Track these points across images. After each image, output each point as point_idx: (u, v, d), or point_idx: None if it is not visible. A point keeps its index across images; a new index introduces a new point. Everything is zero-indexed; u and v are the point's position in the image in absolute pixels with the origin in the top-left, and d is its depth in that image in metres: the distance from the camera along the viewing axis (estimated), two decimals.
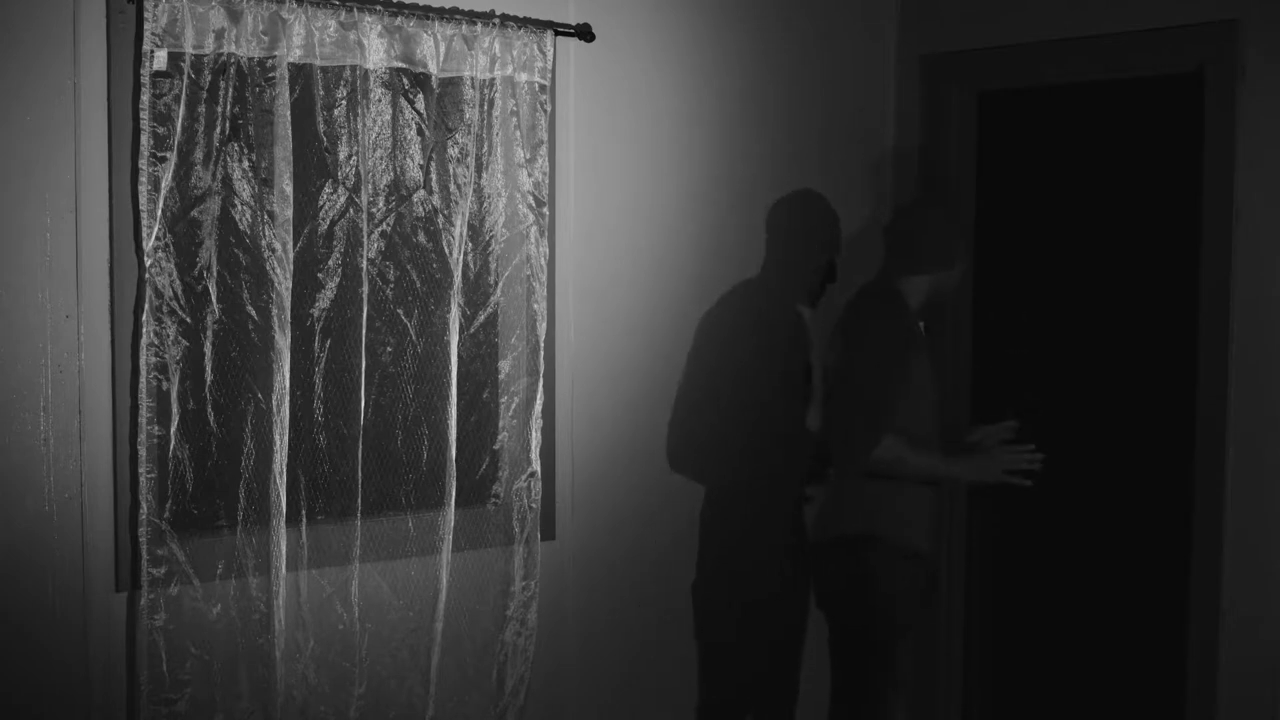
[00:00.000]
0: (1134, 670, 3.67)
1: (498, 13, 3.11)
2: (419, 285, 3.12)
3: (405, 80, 3.04)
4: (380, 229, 3.03)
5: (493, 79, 3.11)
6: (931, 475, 3.24)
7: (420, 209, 3.10)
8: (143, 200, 2.72)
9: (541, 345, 3.23)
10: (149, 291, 2.74)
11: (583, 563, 3.45)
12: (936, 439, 3.30)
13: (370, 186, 3.00)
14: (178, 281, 2.79)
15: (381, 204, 3.03)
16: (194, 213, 2.80)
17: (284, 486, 2.89)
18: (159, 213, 2.73)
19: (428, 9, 3.02)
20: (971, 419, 3.93)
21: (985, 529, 3.99)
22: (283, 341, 2.87)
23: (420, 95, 3.06)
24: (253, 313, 2.87)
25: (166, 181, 2.74)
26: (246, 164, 2.86)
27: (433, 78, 3.03)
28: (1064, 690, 3.86)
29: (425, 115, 3.05)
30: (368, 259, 3.00)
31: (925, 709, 3.96)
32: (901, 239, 3.35)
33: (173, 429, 2.79)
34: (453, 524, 3.10)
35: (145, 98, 2.71)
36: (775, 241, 3.72)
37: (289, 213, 2.87)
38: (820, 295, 3.75)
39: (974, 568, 4.00)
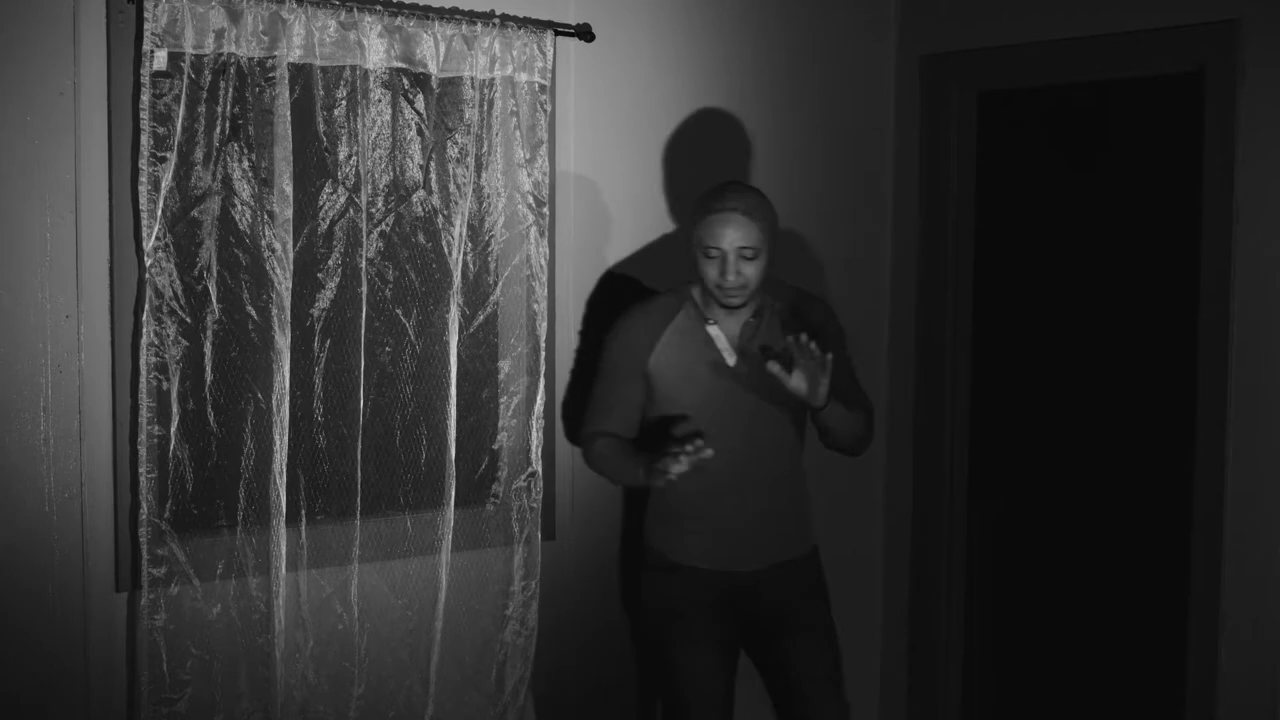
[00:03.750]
0: (1134, 671, 3.67)
1: (498, 13, 3.11)
2: (418, 285, 3.12)
3: (405, 80, 3.04)
4: (380, 229, 3.04)
5: (493, 79, 3.11)
6: (622, 478, 3.04)
7: (420, 209, 3.10)
8: (143, 200, 2.72)
9: (541, 345, 3.23)
10: (149, 291, 2.74)
11: (583, 563, 3.45)
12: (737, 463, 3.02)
13: (370, 186, 3.00)
14: (178, 281, 2.79)
15: (381, 204, 3.03)
16: (194, 213, 2.81)
17: (284, 486, 2.89)
18: (159, 213, 2.73)
19: (428, 9, 3.02)
20: (971, 418, 3.94)
21: (985, 529, 3.99)
22: (283, 341, 2.87)
23: (420, 95, 3.06)
24: (253, 313, 2.87)
25: (166, 181, 2.74)
26: (246, 164, 2.86)
27: (432, 78, 3.03)
28: (1064, 691, 3.86)
29: (425, 115, 3.05)
30: (367, 259, 3.00)
31: (925, 709, 3.96)
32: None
33: (173, 429, 2.80)
34: (452, 524, 3.10)
35: (145, 98, 2.71)
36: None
37: (289, 213, 2.87)
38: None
39: (974, 568, 4.00)
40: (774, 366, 2.82)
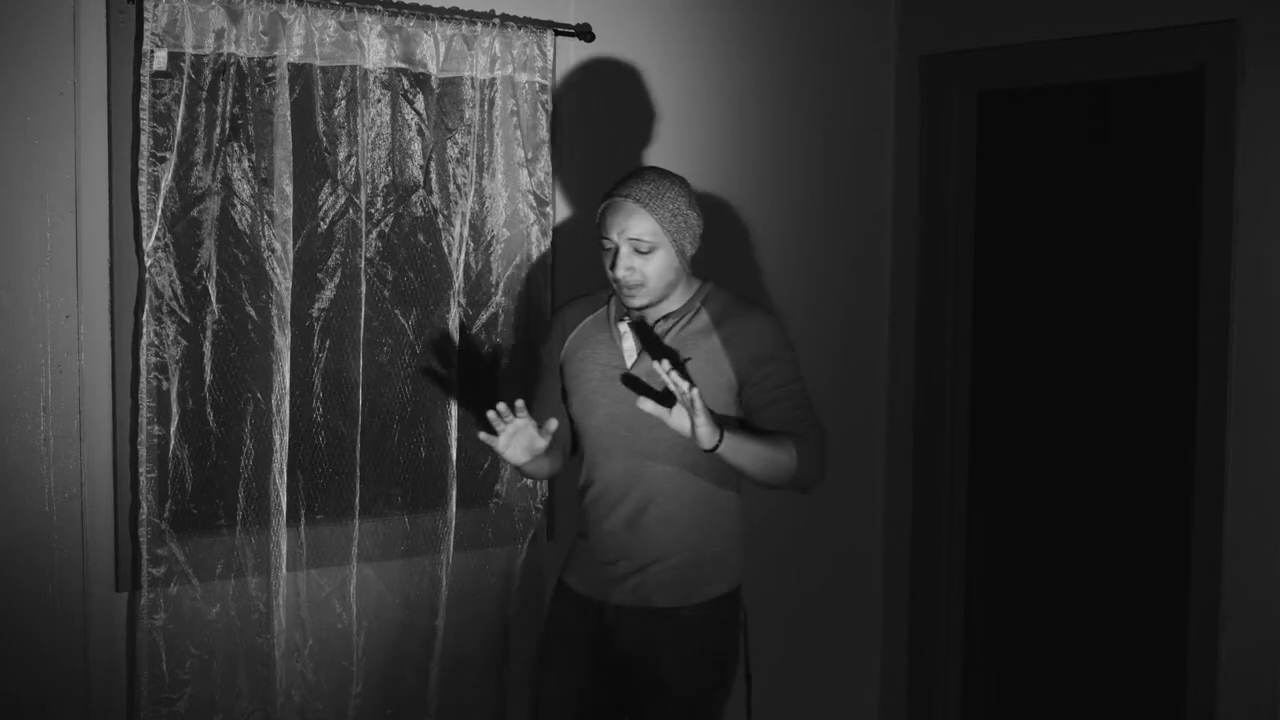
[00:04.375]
0: (1134, 671, 3.67)
1: (498, 13, 3.11)
2: (418, 285, 3.12)
3: (405, 80, 3.04)
4: (379, 229, 3.03)
5: (493, 79, 3.11)
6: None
7: (419, 209, 3.10)
8: (143, 200, 2.72)
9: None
10: (149, 291, 2.74)
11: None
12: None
13: (369, 187, 3.00)
14: (178, 281, 2.79)
15: (380, 204, 3.03)
16: (194, 213, 2.81)
17: (284, 486, 2.89)
18: (159, 213, 2.74)
19: (428, 9, 3.02)
20: (971, 418, 3.94)
21: (985, 529, 3.99)
22: (282, 341, 2.87)
23: (420, 95, 3.06)
24: (252, 313, 2.88)
25: (166, 181, 2.74)
26: (246, 164, 2.86)
27: (432, 78, 3.04)
28: (1064, 691, 3.86)
29: (425, 115, 3.05)
30: (366, 259, 3.00)
31: (925, 709, 3.96)
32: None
33: (173, 429, 2.80)
34: (453, 523, 3.10)
35: (145, 98, 2.71)
36: None
37: (289, 213, 2.87)
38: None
39: (974, 568, 4.00)
40: (646, 404, 2.45)
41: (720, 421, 2.52)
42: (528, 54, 3.15)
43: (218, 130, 2.81)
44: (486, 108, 3.12)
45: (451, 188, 3.11)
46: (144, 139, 2.71)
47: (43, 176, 2.68)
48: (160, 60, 2.73)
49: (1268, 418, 3.21)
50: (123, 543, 2.79)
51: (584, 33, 3.28)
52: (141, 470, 2.76)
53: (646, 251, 2.58)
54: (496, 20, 3.09)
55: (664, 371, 2.39)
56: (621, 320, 2.67)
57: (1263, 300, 3.21)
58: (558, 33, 3.21)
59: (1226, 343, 3.26)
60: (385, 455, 3.10)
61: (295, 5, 2.84)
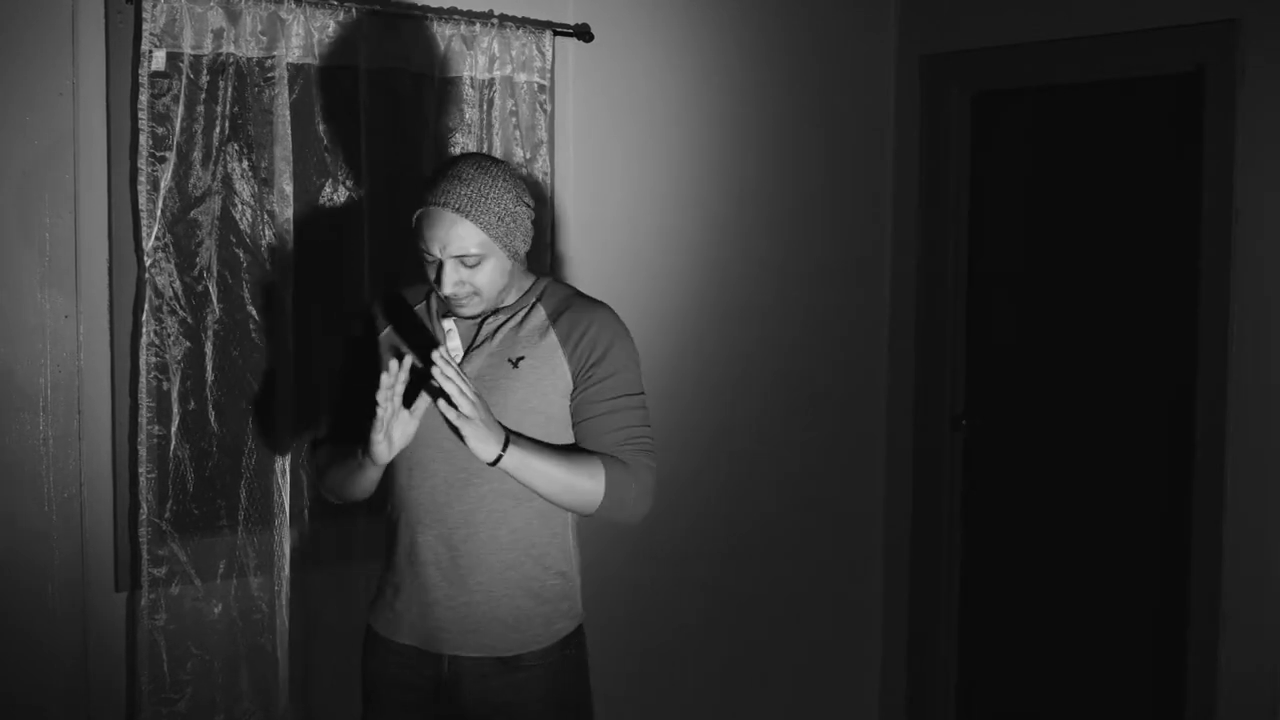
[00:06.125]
0: (1134, 671, 3.67)
1: (497, 13, 3.11)
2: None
3: (405, 80, 3.04)
4: (380, 229, 3.03)
5: (492, 79, 3.12)
6: (354, 482, 2.36)
7: None
8: (142, 200, 2.72)
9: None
10: (149, 291, 2.75)
11: (586, 566, 3.44)
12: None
13: (370, 186, 3.00)
14: (178, 281, 2.79)
15: (381, 204, 3.03)
16: (194, 213, 2.81)
17: (288, 486, 2.89)
18: (159, 213, 2.74)
19: (427, 9, 3.02)
20: (968, 419, 3.94)
21: (984, 528, 3.99)
22: (283, 341, 2.88)
23: (420, 95, 3.06)
24: (253, 312, 2.88)
25: (166, 181, 2.74)
26: (246, 164, 2.86)
27: (433, 78, 3.04)
28: (1064, 691, 3.85)
29: (425, 115, 3.05)
30: (368, 259, 3.00)
31: (925, 709, 3.97)
32: None
33: (173, 429, 2.80)
34: None
35: (144, 98, 2.71)
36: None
37: (289, 213, 2.87)
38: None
39: (973, 567, 4.00)
40: (442, 404, 2.14)
41: (511, 433, 2.21)
42: (527, 54, 3.15)
43: (217, 130, 2.81)
44: (486, 108, 3.12)
45: None
46: (143, 139, 2.71)
47: (43, 176, 2.68)
48: (159, 60, 2.73)
49: (1268, 418, 3.21)
50: (122, 543, 2.79)
51: (583, 33, 3.28)
52: (141, 470, 2.76)
53: (475, 264, 2.22)
54: (495, 20, 3.09)
55: (408, 365, 2.14)
56: (446, 316, 2.32)
57: (1263, 300, 3.21)
58: (557, 33, 3.21)
59: (1226, 342, 3.26)
60: None
61: (294, 5, 2.84)
